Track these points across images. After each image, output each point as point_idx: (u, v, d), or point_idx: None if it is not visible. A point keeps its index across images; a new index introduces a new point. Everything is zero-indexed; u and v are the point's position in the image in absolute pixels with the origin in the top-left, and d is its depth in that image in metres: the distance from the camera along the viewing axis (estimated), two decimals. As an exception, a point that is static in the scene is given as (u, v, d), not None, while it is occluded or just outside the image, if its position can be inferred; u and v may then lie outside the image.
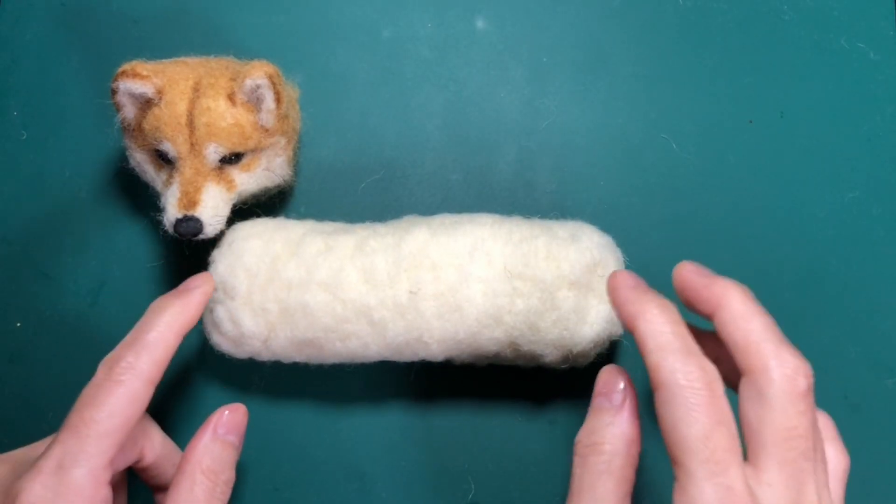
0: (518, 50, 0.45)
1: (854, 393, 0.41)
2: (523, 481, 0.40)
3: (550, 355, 0.36)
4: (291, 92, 0.40)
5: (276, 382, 0.41)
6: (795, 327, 0.41)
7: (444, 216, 0.38)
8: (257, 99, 0.36)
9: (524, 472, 0.40)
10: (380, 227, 0.38)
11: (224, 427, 0.32)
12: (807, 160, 0.44)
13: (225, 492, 0.31)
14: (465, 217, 0.38)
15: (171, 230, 0.36)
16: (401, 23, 0.46)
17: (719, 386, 0.27)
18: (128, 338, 0.32)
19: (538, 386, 0.41)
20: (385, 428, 0.41)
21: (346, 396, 0.41)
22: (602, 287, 0.36)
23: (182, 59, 0.38)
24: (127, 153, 0.39)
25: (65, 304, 0.42)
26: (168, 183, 0.37)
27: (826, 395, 0.42)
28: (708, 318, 0.29)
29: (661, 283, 0.41)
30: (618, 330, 0.37)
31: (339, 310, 0.35)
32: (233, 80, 0.36)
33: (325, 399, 0.41)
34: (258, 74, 0.36)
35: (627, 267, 0.37)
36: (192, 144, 0.36)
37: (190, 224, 0.36)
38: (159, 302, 0.33)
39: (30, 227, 0.43)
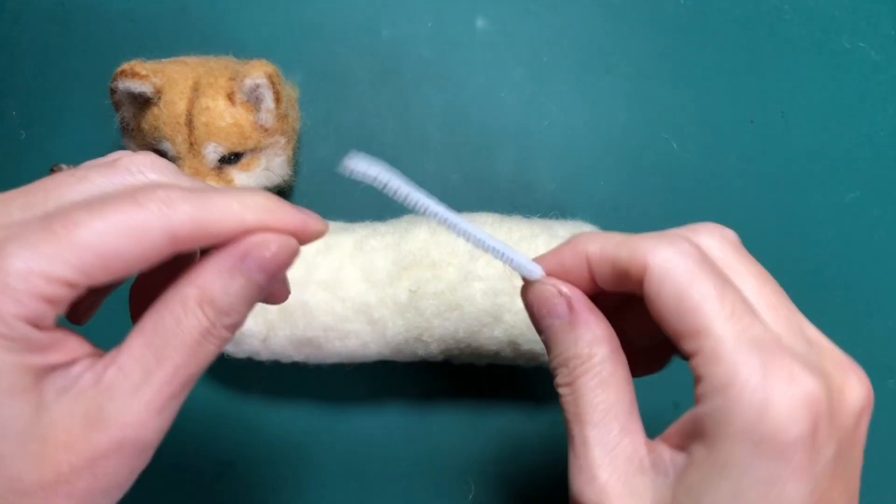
0: (518, 50, 0.45)
1: (854, 393, 0.41)
2: (523, 481, 0.40)
3: (550, 355, 0.36)
4: (291, 92, 0.40)
5: (275, 382, 0.41)
6: (796, 327, 0.42)
7: (443, 216, 0.38)
8: (256, 98, 0.36)
9: (524, 472, 0.40)
10: (379, 226, 0.38)
11: (255, 263, 0.22)
12: (807, 160, 0.44)
13: (225, 338, 0.22)
14: (464, 217, 0.38)
15: (170, 230, 0.36)
16: (401, 23, 0.45)
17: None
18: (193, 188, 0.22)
19: (538, 386, 0.41)
20: (385, 428, 0.41)
21: (346, 396, 0.41)
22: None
23: (181, 58, 0.38)
24: (127, 153, 0.39)
25: (64, 304, 0.42)
26: (168, 183, 0.37)
27: (826, 395, 0.42)
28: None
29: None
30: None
31: (339, 308, 0.35)
32: (232, 79, 0.36)
33: (324, 399, 0.41)
34: (257, 74, 0.36)
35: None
36: (191, 144, 0.36)
37: (189, 224, 0.36)
38: (280, 204, 0.24)
39: (30, 226, 0.43)
